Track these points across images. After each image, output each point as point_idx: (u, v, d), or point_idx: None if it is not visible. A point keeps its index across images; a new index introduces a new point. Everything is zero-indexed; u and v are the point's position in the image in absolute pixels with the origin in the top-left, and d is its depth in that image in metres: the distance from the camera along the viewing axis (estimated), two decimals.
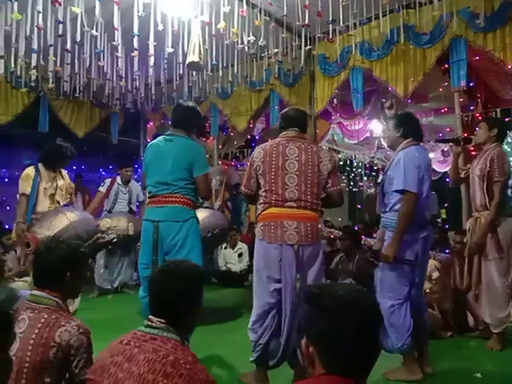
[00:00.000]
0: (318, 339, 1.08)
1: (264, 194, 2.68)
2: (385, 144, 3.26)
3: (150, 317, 1.48)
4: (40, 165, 4.02)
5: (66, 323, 1.68)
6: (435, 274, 4.07)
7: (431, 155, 8.95)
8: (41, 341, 1.63)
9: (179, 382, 1.28)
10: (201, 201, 3.65)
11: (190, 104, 3.26)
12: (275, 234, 2.59)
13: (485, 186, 3.28)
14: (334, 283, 1.52)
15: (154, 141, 3.25)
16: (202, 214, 3.93)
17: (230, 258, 6.26)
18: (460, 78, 4.03)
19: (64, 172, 4.23)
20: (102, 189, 5.32)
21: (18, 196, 3.99)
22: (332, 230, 6.35)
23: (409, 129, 2.87)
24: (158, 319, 1.45)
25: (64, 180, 4.15)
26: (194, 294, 1.51)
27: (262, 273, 2.68)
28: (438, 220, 9.09)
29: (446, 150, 8.64)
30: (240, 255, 6.29)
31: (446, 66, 4.30)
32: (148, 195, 3.17)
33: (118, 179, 5.38)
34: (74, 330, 1.67)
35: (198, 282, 1.55)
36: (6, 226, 6.13)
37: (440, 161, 9.21)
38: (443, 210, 9.62)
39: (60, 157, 4.04)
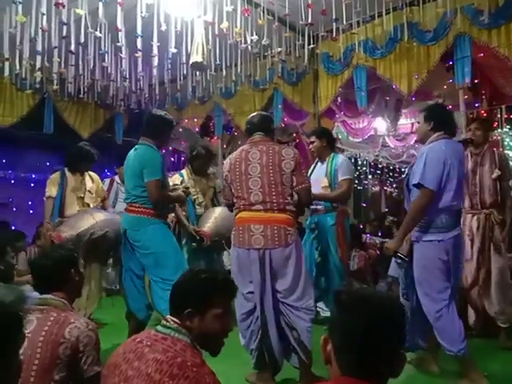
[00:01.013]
0: (336, 336, 1.08)
1: (236, 200, 2.75)
2: (416, 138, 3.22)
3: (167, 316, 1.50)
4: (66, 169, 4.08)
5: (75, 320, 1.72)
6: None
7: None
8: (50, 337, 1.66)
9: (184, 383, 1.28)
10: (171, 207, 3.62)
11: (159, 113, 3.33)
12: (243, 239, 2.65)
13: (498, 184, 3.31)
14: (362, 287, 1.50)
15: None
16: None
17: None
18: (464, 75, 4.01)
19: (94, 175, 4.27)
20: None
21: (44, 199, 4.07)
22: None
23: (440, 122, 2.73)
24: (173, 319, 1.47)
25: (94, 183, 4.19)
26: (191, 300, 1.49)
27: (236, 276, 2.69)
28: None
29: None
30: None
31: (451, 63, 4.29)
32: None
33: (117, 178, 5.39)
34: (83, 327, 1.71)
35: (198, 288, 1.52)
36: (13, 227, 6.17)
37: None
38: None
39: (82, 159, 4.09)
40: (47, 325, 1.69)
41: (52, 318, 1.71)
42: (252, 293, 2.65)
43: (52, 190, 3.99)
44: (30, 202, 6.68)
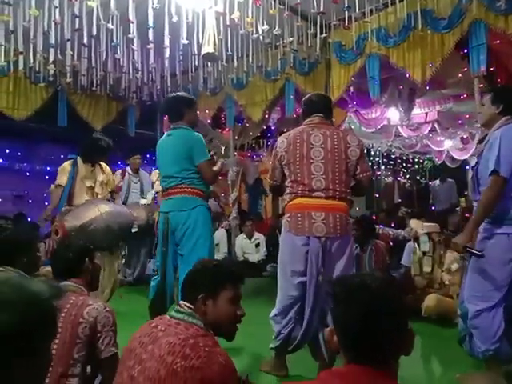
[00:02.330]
0: (335, 327, 1.11)
1: (290, 184, 2.61)
2: (478, 121, 2.93)
3: (180, 302, 1.55)
4: (78, 159, 4.12)
5: (93, 302, 1.80)
6: (454, 266, 4.06)
7: (450, 143, 8.83)
8: (70, 318, 1.75)
9: (196, 364, 1.32)
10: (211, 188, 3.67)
11: (175, 94, 3.32)
12: (302, 226, 2.51)
13: None
14: (356, 273, 1.50)
15: (161, 138, 3.35)
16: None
17: (248, 248, 6.31)
18: (480, 63, 3.93)
19: (106, 167, 4.32)
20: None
21: (52, 186, 4.12)
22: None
23: (510, 104, 2.53)
24: (186, 304, 1.51)
25: (105, 174, 4.23)
26: (205, 287, 1.55)
27: (286, 265, 2.62)
28: (457, 209, 8.96)
29: (465, 137, 8.50)
30: (257, 245, 6.34)
31: (465, 51, 4.21)
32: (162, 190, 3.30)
33: (128, 169, 5.44)
34: (101, 308, 1.79)
35: (212, 277, 1.59)
36: (29, 219, 6.28)
37: (459, 148, 9.07)
38: (463, 199, 9.48)
39: (97, 150, 4.13)
40: (66, 307, 1.77)
41: (71, 301, 1.80)
42: (302, 283, 2.54)
43: (63, 179, 4.05)
44: (44, 194, 6.77)
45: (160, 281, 3.11)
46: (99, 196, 4.12)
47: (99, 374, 1.90)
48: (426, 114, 7.16)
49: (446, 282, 4.04)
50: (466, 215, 6.90)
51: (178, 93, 3.35)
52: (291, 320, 2.61)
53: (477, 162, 2.61)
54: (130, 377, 1.40)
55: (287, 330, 2.62)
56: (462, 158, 9.32)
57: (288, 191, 2.64)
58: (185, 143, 3.07)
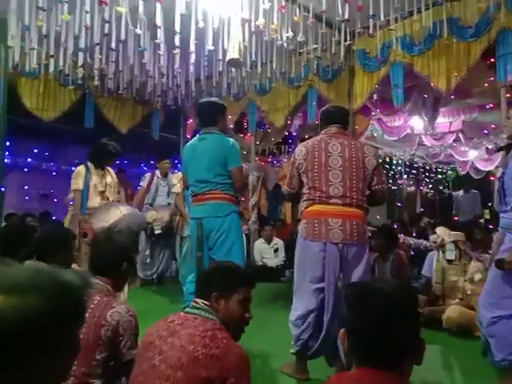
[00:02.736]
0: (347, 329, 1.12)
1: (307, 191, 2.63)
2: (504, 133, 2.90)
3: (196, 299, 1.62)
4: (89, 163, 4.23)
5: (116, 305, 1.82)
6: (477, 276, 3.98)
7: (474, 153, 8.67)
8: (93, 319, 1.77)
9: (216, 353, 1.38)
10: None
11: (212, 100, 3.34)
12: (319, 232, 2.52)
13: None
14: (369, 280, 1.52)
15: (190, 142, 3.36)
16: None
17: (266, 252, 6.32)
18: (507, 73, 3.87)
19: (111, 170, 4.44)
20: (143, 183, 5.53)
21: (71, 193, 4.22)
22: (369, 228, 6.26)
23: None
24: (202, 301, 1.59)
25: (112, 178, 4.36)
26: (219, 288, 1.63)
27: (304, 272, 2.62)
28: (481, 220, 8.78)
29: (490, 147, 8.34)
30: (276, 250, 6.34)
31: (492, 60, 4.16)
32: (190, 195, 3.28)
33: (157, 173, 5.56)
34: (123, 312, 1.81)
35: (227, 279, 1.67)
36: (54, 218, 6.44)
37: (484, 159, 8.89)
38: (487, 210, 9.29)
39: (106, 155, 4.24)
40: (90, 307, 1.79)
41: (95, 302, 1.82)
42: (320, 289, 2.55)
43: (79, 183, 4.15)
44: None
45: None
46: (110, 199, 4.22)
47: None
48: (451, 123, 7.06)
49: (468, 292, 3.97)
50: (490, 227, 6.77)
51: (211, 98, 3.36)
52: (310, 325, 2.61)
53: (503, 173, 2.54)
54: (151, 366, 1.45)
55: (306, 336, 2.62)
56: (487, 169, 9.14)
57: (305, 198, 2.66)
58: (221, 149, 3.09)
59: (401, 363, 1.06)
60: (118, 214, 3.70)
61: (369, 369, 1.05)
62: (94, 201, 4.14)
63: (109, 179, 4.31)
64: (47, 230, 2.59)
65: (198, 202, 3.11)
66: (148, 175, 5.63)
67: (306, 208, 2.65)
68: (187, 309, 1.61)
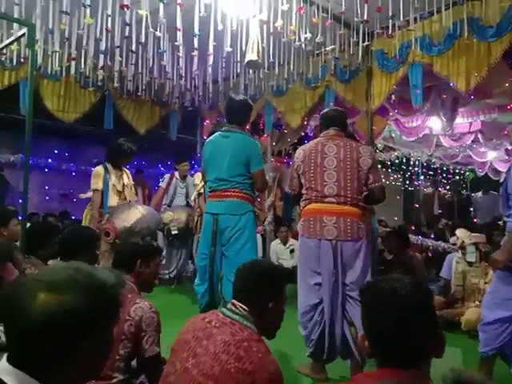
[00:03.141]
0: (366, 331, 1.13)
1: (305, 191, 2.75)
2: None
3: (234, 301, 1.57)
4: (107, 164, 4.31)
5: (139, 301, 1.85)
6: None
7: (494, 154, 8.54)
8: None
9: (249, 368, 1.35)
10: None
11: (242, 97, 3.34)
12: (314, 229, 2.64)
13: None
14: (385, 277, 1.53)
15: (211, 137, 3.36)
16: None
17: (282, 253, 6.32)
18: None
19: (127, 170, 4.51)
20: (162, 184, 5.61)
21: (91, 193, 4.29)
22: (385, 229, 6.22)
23: None
24: (241, 305, 1.53)
25: (128, 178, 4.43)
26: (275, 288, 1.59)
27: (303, 268, 2.74)
28: (500, 222, 8.64)
29: (510, 148, 8.20)
30: (292, 251, 6.34)
31: None
32: (208, 190, 3.29)
33: (176, 174, 5.64)
34: (146, 308, 1.84)
35: (275, 280, 1.62)
36: (73, 217, 6.56)
37: (503, 160, 8.76)
38: None
39: (122, 154, 4.31)
40: None
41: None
42: (319, 284, 2.64)
43: (99, 183, 4.21)
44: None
45: (208, 280, 3.14)
46: (127, 199, 4.29)
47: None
48: (470, 123, 6.98)
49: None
50: None
51: (244, 97, 3.37)
52: (317, 323, 2.68)
53: (505, 178, 2.60)
54: (184, 368, 1.44)
55: (316, 336, 2.68)
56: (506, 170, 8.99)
57: (304, 198, 2.78)
58: (245, 149, 3.11)
59: (421, 360, 1.06)
60: (137, 213, 3.76)
61: (390, 369, 1.06)
62: (113, 200, 4.21)
63: (126, 179, 4.38)
64: (71, 231, 2.64)
65: (216, 197, 3.14)
66: (167, 176, 5.70)
67: (303, 207, 2.77)
68: (225, 310, 1.56)
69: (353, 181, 2.64)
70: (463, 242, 4.15)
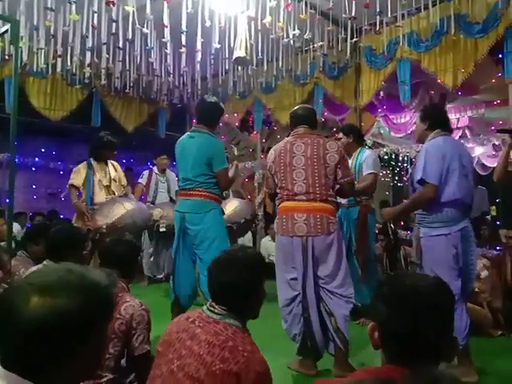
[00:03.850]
0: (379, 327, 1.10)
1: (279, 190, 2.82)
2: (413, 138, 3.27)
3: (212, 303, 1.53)
4: (92, 159, 4.27)
5: (130, 300, 1.84)
6: (484, 273, 3.97)
7: (481, 149, 8.60)
8: None
9: (234, 368, 1.33)
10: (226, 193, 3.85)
11: (214, 100, 3.37)
12: (286, 227, 2.72)
13: None
14: (404, 273, 1.44)
15: (181, 138, 3.41)
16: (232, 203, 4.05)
17: (272, 250, 6.31)
18: None
19: (116, 164, 4.46)
20: (142, 181, 5.49)
21: (67, 186, 4.28)
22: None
23: (435, 120, 2.80)
24: (220, 306, 1.50)
25: (117, 172, 4.38)
26: (250, 281, 1.53)
27: (280, 264, 2.83)
28: (488, 217, 8.73)
29: (497, 144, 8.29)
30: None
31: (500, 55, 4.14)
32: (179, 189, 3.41)
33: (155, 169, 5.53)
34: (137, 306, 1.84)
35: (255, 268, 1.57)
36: (61, 216, 6.49)
37: (490, 155, 8.84)
38: (493, 207, 9.24)
39: (103, 147, 4.27)
40: None
41: None
42: (295, 279, 2.73)
43: (75, 179, 4.19)
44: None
45: (172, 274, 3.26)
46: (116, 194, 4.25)
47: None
48: (458, 119, 7.03)
49: (476, 290, 3.96)
50: (497, 222, 6.74)
51: (217, 100, 3.40)
52: (297, 317, 2.74)
53: (411, 173, 2.99)
54: (170, 371, 1.43)
55: (298, 331, 2.75)
56: (494, 166, 9.08)
57: (278, 197, 2.85)
58: (207, 149, 3.16)
59: (431, 361, 1.04)
60: (122, 209, 3.72)
61: (397, 367, 1.03)
62: (101, 196, 4.17)
63: (113, 173, 4.34)
64: (58, 230, 2.60)
65: (183, 196, 3.25)
66: (146, 172, 5.57)
67: (278, 206, 2.86)
68: (207, 311, 1.52)
69: (320, 177, 2.69)
70: None
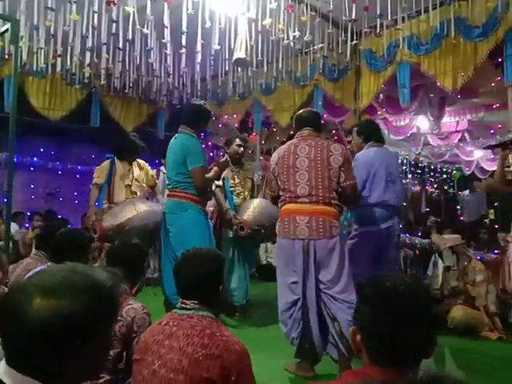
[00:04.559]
0: (361, 328, 1.11)
1: (282, 193, 2.81)
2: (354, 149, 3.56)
3: (182, 300, 1.58)
4: (115, 158, 4.28)
5: (132, 302, 1.84)
6: (479, 278, 3.99)
7: (480, 153, 8.64)
8: None
9: (216, 352, 1.38)
10: (226, 187, 3.95)
11: (199, 102, 3.47)
12: (288, 230, 2.70)
13: None
14: (385, 274, 1.47)
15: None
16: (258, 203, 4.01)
17: (271, 251, 6.32)
18: None
19: (143, 163, 4.45)
20: None
21: (91, 186, 4.32)
22: None
23: (369, 134, 3.33)
24: (191, 301, 1.55)
25: (142, 171, 4.37)
26: (216, 273, 1.64)
27: (281, 267, 2.81)
28: (486, 220, 8.75)
29: None
30: None
31: (500, 59, 4.15)
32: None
33: (163, 169, 5.54)
34: (139, 309, 1.84)
35: (217, 262, 1.69)
36: (59, 216, 6.47)
37: (490, 159, 8.86)
38: (491, 211, 9.25)
39: (132, 150, 4.30)
40: None
41: None
42: (296, 282, 2.69)
43: (99, 178, 4.19)
44: (75, 193, 6.98)
45: (161, 275, 3.34)
46: (138, 194, 4.24)
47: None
48: (457, 122, 7.04)
49: (472, 294, 3.97)
50: (496, 226, 6.76)
51: (202, 103, 3.46)
52: (297, 321, 2.71)
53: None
54: (152, 372, 1.44)
55: (297, 334, 2.72)
56: (493, 169, 9.09)
57: (280, 199, 2.84)
58: (182, 148, 3.21)
59: (414, 360, 1.06)
60: (132, 211, 3.65)
61: (381, 368, 1.05)
62: (120, 195, 4.17)
63: (136, 172, 4.33)
64: (63, 233, 2.59)
65: (168, 197, 3.37)
66: (153, 172, 5.59)
67: (280, 208, 2.84)
68: (177, 310, 1.57)
69: (324, 180, 2.67)
70: (438, 247, 4.22)
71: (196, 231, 3.17)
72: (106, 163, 4.26)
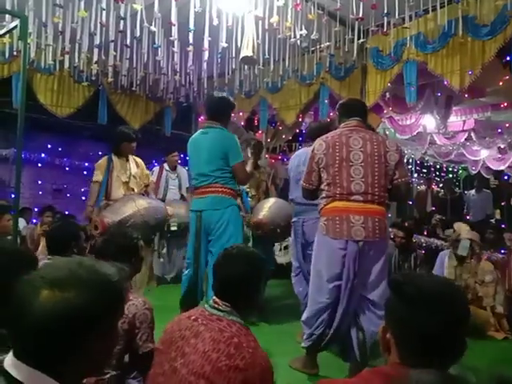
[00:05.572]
0: (397, 327, 1.08)
1: (327, 187, 2.57)
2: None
3: (215, 299, 1.54)
4: (112, 154, 4.27)
5: (133, 298, 1.84)
6: (488, 278, 3.97)
7: (486, 152, 8.59)
8: None
9: (240, 364, 1.34)
10: (241, 188, 3.80)
11: (222, 95, 3.37)
12: (341, 229, 2.47)
13: None
14: (420, 273, 1.43)
15: (193, 135, 3.42)
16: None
17: (276, 250, 6.32)
18: None
19: (139, 160, 4.44)
20: (152, 178, 5.46)
21: (91, 183, 4.28)
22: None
23: (308, 136, 3.62)
24: (224, 302, 1.51)
25: (139, 168, 4.35)
26: (254, 280, 1.58)
27: (321, 269, 2.60)
28: (492, 220, 8.70)
29: (502, 146, 8.27)
30: (285, 248, 6.34)
31: (508, 58, 4.12)
32: (194, 187, 3.39)
33: (166, 166, 5.52)
34: (140, 305, 1.83)
35: (260, 266, 1.62)
36: (66, 212, 6.51)
37: (496, 158, 8.82)
38: (497, 210, 9.21)
39: (120, 138, 4.25)
40: None
41: None
42: (337, 286, 2.52)
43: (99, 175, 4.18)
44: (82, 189, 7.01)
45: (192, 276, 3.19)
46: (135, 191, 4.22)
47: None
48: (463, 122, 7.00)
49: (480, 294, 3.95)
50: (502, 226, 6.72)
51: (223, 93, 3.40)
52: (323, 322, 2.61)
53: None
54: (173, 369, 1.43)
55: (319, 332, 2.63)
56: (499, 169, 9.05)
57: (324, 195, 2.60)
58: (222, 143, 3.15)
59: (446, 363, 1.03)
60: (132, 207, 3.67)
61: (406, 367, 1.02)
62: (118, 192, 4.13)
63: (133, 169, 4.30)
64: (57, 227, 2.61)
65: (199, 194, 3.19)
66: (156, 169, 5.53)
67: (325, 205, 2.59)
68: (208, 307, 1.53)
69: (380, 177, 2.48)
70: (459, 234, 4.10)
71: (238, 227, 3.17)
72: (104, 160, 4.24)
